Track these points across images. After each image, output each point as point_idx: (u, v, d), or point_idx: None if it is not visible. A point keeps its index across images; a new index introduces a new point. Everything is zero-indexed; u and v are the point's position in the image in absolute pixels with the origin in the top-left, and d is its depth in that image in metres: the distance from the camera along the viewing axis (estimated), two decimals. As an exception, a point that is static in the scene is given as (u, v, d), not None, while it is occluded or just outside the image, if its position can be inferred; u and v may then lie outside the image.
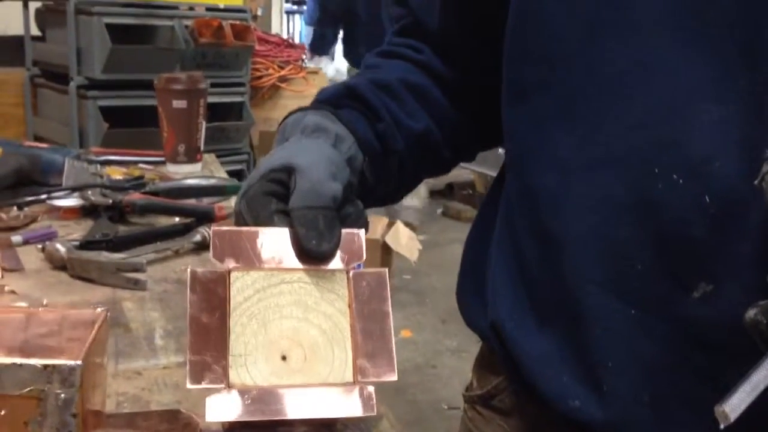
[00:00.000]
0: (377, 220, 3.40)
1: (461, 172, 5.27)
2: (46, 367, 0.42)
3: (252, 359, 0.50)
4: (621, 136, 0.52)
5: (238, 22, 3.24)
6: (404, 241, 3.37)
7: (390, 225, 3.40)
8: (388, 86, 0.69)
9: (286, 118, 0.66)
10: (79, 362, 0.43)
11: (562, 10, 0.55)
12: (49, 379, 0.42)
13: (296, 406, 0.49)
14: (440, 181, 5.35)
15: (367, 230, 0.58)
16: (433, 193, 5.24)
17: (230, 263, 0.52)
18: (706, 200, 0.49)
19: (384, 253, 3.34)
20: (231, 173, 2.10)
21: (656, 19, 0.50)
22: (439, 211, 4.89)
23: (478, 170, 4.29)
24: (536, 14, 0.57)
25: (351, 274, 0.55)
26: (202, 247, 0.99)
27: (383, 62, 0.73)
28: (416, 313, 3.33)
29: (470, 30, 0.69)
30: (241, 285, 0.52)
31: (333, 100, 0.67)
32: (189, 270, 0.51)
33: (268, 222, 0.54)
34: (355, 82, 0.69)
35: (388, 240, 3.31)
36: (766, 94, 0.47)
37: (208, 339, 0.50)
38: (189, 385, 0.48)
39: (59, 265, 0.90)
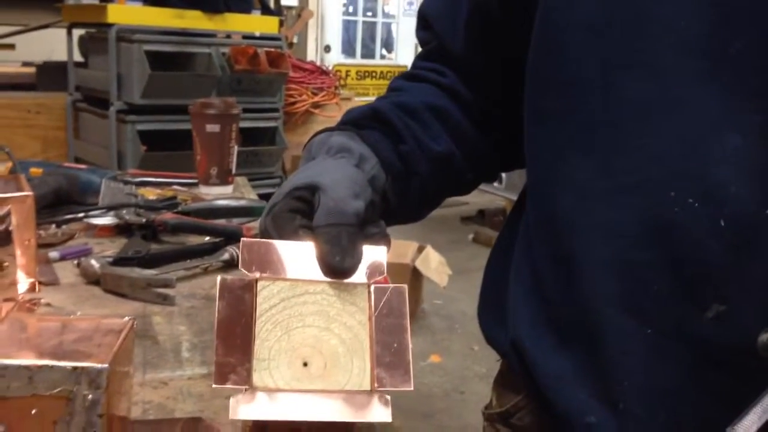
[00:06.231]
0: (407, 245, 3.41)
1: (493, 199, 5.27)
2: (75, 368, 0.44)
3: (275, 364, 0.52)
4: (641, 165, 0.53)
5: (273, 50, 3.31)
6: (434, 265, 3.37)
7: (420, 250, 3.41)
8: (412, 109, 0.70)
9: (312, 138, 0.68)
10: (105, 365, 0.45)
11: (582, 45, 0.56)
12: (77, 381, 0.44)
13: (316, 410, 0.51)
14: (472, 208, 5.36)
15: (389, 248, 0.59)
16: (465, 219, 5.25)
17: (257, 273, 0.54)
18: (721, 224, 0.50)
19: (414, 277, 3.34)
20: (263, 197, 2.13)
21: (673, 59, 0.51)
22: (471, 236, 4.88)
23: (509, 197, 4.28)
24: (557, 47, 0.59)
25: (372, 288, 0.57)
26: (230, 265, 1.01)
27: (408, 85, 0.75)
28: (445, 338, 3.31)
29: (493, 57, 0.71)
30: (268, 293, 0.54)
31: (358, 121, 0.69)
32: (219, 277, 0.54)
33: (292, 238, 0.56)
34: (379, 105, 0.71)
35: (418, 265, 3.32)
36: None
37: (234, 343, 0.52)
38: (214, 385, 0.50)
39: (93, 279, 0.93)
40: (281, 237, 0.57)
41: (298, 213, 0.57)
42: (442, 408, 2.69)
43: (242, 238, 0.56)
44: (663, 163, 0.52)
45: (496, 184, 4.17)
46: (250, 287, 0.54)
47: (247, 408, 0.50)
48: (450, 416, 2.64)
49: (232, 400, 0.50)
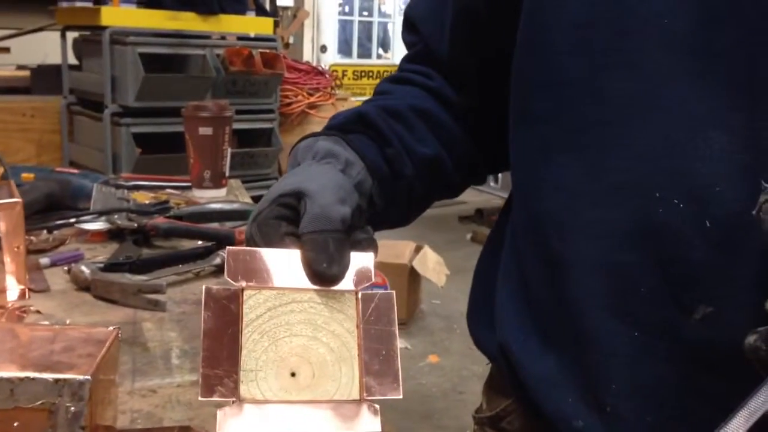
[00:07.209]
0: (405, 245, 3.41)
1: (490, 198, 5.27)
2: (57, 381, 0.44)
3: (262, 374, 0.52)
4: (627, 165, 0.53)
5: (268, 51, 3.31)
6: (432, 265, 3.37)
7: (417, 249, 3.41)
8: (398, 112, 0.70)
9: (298, 143, 0.67)
10: (88, 377, 0.45)
11: (567, 45, 0.56)
12: (59, 393, 0.44)
13: (304, 422, 0.51)
14: (469, 207, 5.35)
15: (376, 254, 0.59)
16: (462, 219, 5.24)
17: (243, 282, 0.54)
18: (706, 224, 0.50)
19: (411, 277, 3.34)
20: (258, 199, 2.13)
21: (658, 56, 0.51)
22: (469, 236, 4.88)
23: (506, 196, 4.28)
24: (542, 48, 0.58)
25: (360, 295, 0.56)
26: (222, 269, 1.01)
27: (394, 88, 0.75)
28: (444, 338, 3.31)
29: (479, 59, 0.71)
30: (254, 303, 0.54)
31: (343, 126, 0.69)
32: (204, 287, 0.53)
33: (279, 245, 0.56)
34: (365, 109, 0.71)
35: (416, 265, 3.32)
36: (765, 128, 0.48)
37: (221, 354, 0.51)
38: (201, 398, 0.49)
39: (84, 286, 0.93)
40: (267, 244, 0.56)
41: (284, 220, 0.57)
42: (441, 408, 2.69)
43: (227, 247, 0.56)
44: (650, 163, 0.52)
45: (492, 183, 4.17)
46: (236, 297, 0.53)
47: (234, 421, 0.50)
48: (448, 416, 2.64)
49: (219, 414, 0.49)
